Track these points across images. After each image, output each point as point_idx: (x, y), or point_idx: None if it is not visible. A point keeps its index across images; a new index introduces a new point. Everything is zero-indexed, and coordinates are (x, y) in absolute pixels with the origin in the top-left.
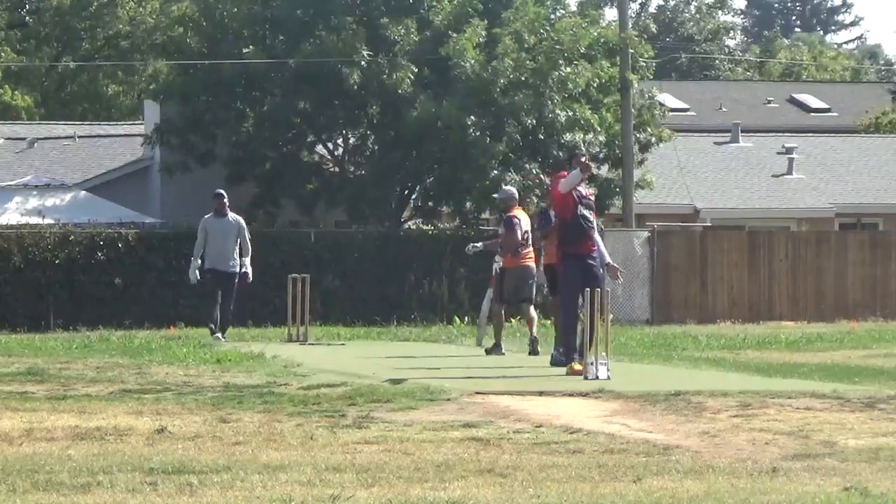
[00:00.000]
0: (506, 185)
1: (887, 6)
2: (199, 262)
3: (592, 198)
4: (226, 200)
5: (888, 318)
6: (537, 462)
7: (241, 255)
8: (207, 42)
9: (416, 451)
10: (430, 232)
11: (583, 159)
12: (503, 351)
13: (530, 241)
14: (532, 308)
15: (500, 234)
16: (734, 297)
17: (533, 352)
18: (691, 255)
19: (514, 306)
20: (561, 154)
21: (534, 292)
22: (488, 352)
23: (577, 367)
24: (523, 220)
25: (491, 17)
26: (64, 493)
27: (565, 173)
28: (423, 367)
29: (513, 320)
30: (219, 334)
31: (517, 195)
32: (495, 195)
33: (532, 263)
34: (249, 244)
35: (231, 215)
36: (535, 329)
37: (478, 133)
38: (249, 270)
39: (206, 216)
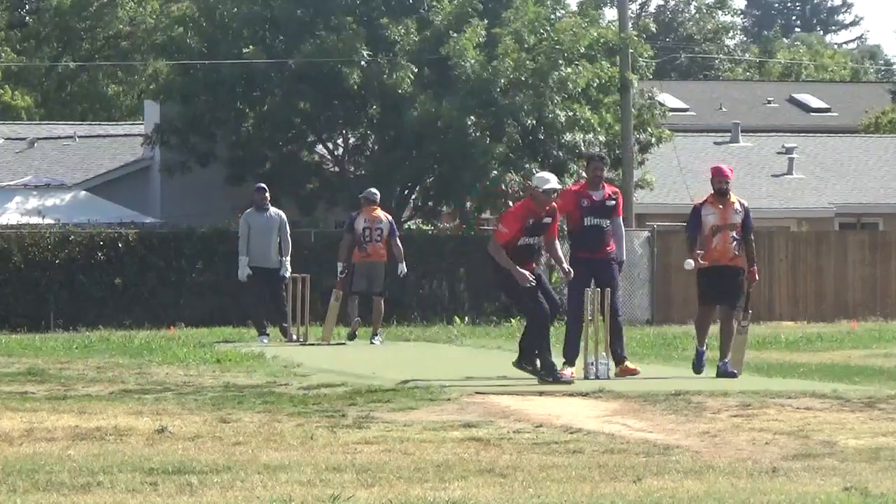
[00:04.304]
0: (505, 184)
1: (887, 6)
2: (247, 258)
3: (612, 202)
4: (267, 194)
5: (888, 318)
6: (537, 462)
7: (281, 253)
8: (207, 42)
9: (416, 451)
10: (430, 232)
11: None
12: (354, 338)
13: (374, 238)
14: (382, 302)
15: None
16: None
17: (351, 337)
18: None
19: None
20: (561, 154)
21: (384, 286)
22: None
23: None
24: (362, 220)
25: (491, 17)
26: (64, 493)
27: (521, 206)
28: (422, 367)
29: (513, 320)
30: (265, 339)
31: (374, 197)
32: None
33: (382, 260)
34: (290, 241)
35: (272, 210)
36: (379, 323)
37: (478, 133)
38: (289, 271)
39: (247, 211)
